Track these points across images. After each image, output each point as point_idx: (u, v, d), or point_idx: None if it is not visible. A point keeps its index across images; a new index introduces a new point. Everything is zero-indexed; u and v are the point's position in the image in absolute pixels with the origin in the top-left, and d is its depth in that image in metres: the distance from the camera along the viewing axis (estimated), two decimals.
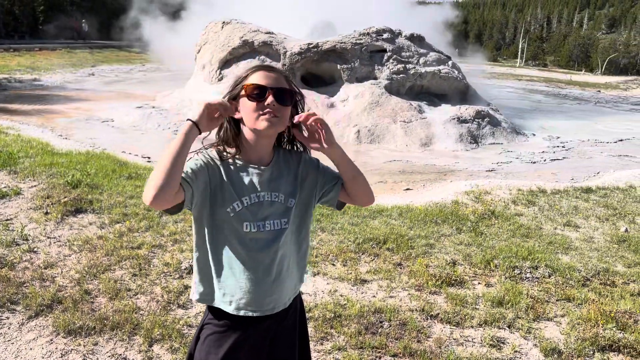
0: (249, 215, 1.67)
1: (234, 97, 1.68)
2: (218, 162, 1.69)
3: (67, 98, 14.95)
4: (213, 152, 1.71)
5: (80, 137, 9.94)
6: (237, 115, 1.68)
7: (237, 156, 1.71)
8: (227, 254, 1.70)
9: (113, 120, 11.86)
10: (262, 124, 1.64)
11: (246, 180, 1.70)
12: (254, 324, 1.75)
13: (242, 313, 1.71)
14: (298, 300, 1.91)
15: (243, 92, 1.65)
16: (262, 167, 1.73)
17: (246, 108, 1.65)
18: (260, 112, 1.63)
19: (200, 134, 1.62)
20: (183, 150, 1.53)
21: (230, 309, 1.71)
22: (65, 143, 8.74)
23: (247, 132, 1.70)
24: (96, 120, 11.92)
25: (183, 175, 1.55)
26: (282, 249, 1.72)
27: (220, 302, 1.72)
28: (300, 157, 1.82)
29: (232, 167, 1.70)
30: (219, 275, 1.71)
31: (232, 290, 1.70)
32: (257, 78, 1.66)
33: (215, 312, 1.77)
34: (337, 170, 1.81)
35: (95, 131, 10.72)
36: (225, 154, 1.70)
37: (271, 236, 1.70)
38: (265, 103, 1.63)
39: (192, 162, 1.64)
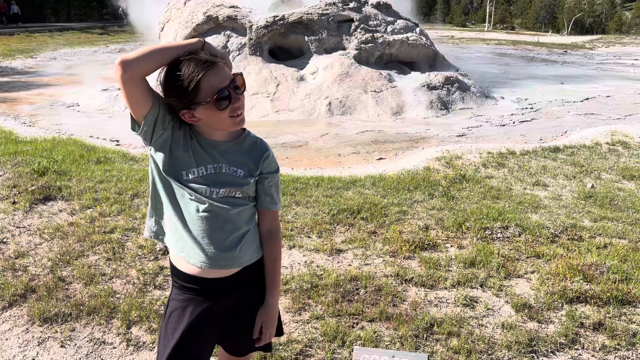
0: (204, 182, 1.69)
1: (188, 107, 1.59)
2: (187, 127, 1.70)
3: (29, 84, 14.50)
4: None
5: (45, 123, 9.69)
6: (194, 122, 1.64)
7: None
8: (177, 206, 1.73)
9: (78, 105, 11.57)
10: (234, 125, 1.67)
11: (204, 151, 1.70)
12: (216, 293, 1.79)
13: (191, 261, 1.75)
14: (261, 273, 1.93)
15: (206, 103, 1.57)
16: (224, 142, 1.73)
17: (213, 116, 1.61)
18: (232, 115, 1.62)
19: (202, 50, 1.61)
20: (178, 49, 1.56)
21: (184, 266, 1.77)
22: (30, 130, 8.52)
23: (210, 125, 1.68)
24: (61, 105, 11.61)
25: (158, 104, 1.59)
26: (234, 212, 1.74)
27: (175, 259, 1.79)
28: (265, 153, 1.81)
29: (198, 136, 1.70)
30: (175, 230, 1.76)
31: (185, 243, 1.74)
32: (213, 84, 1.55)
33: (178, 287, 1.82)
34: (276, 199, 1.86)
35: (61, 117, 10.45)
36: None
37: (224, 200, 1.72)
38: (234, 106, 1.61)
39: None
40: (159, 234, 1.83)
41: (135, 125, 1.64)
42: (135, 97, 1.56)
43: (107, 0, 43.58)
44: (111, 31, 35.79)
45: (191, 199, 1.70)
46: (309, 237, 4.48)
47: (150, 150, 1.69)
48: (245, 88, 1.66)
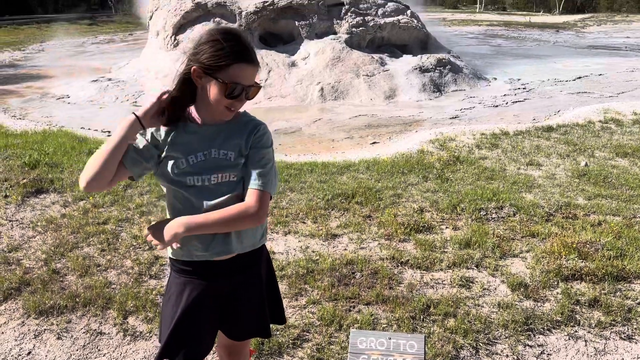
0: (193, 171, 1.67)
1: (206, 72, 1.60)
2: (162, 129, 1.70)
3: (18, 76, 14.34)
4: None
5: (36, 116, 9.60)
6: (198, 83, 1.64)
7: (190, 115, 1.71)
8: (178, 206, 1.72)
9: (69, 97, 11.46)
10: (224, 115, 1.67)
11: (195, 139, 1.70)
12: (214, 277, 1.79)
13: (195, 258, 1.75)
14: (263, 258, 1.92)
15: (221, 82, 1.59)
16: (215, 125, 1.71)
17: (215, 96, 1.62)
18: (227, 107, 1.64)
19: (143, 130, 1.65)
20: (121, 144, 1.61)
21: (184, 256, 1.76)
22: (20, 123, 8.43)
23: (205, 100, 1.66)
24: (51, 97, 11.49)
25: (129, 156, 1.65)
26: (231, 199, 1.70)
27: (175, 251, 1.77)
28: (257, 127, 1.75)
29: (180, 128, 1.70)
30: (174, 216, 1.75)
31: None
32: (240, 75, 1.60)
33: (176, 270, 1.82)
34: (255, 176, 1.71)
35: (51, 109, 10.35)
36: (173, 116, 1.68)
37: (216, 187, 1.69)
38: (238, 101, 1.64)
39: (138, 139, 1.68)
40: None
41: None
42: (115, 182, 1.70)
43: None
44: (100, 22, 35.38)
45: (187, 192, 1.69)
46: (304, 222, 4.47)
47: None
48: (253, 97, 1.71)
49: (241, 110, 1.76)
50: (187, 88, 1.66)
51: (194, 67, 1.61)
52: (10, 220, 4.49)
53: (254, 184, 1.69)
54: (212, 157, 1.69)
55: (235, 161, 1.70)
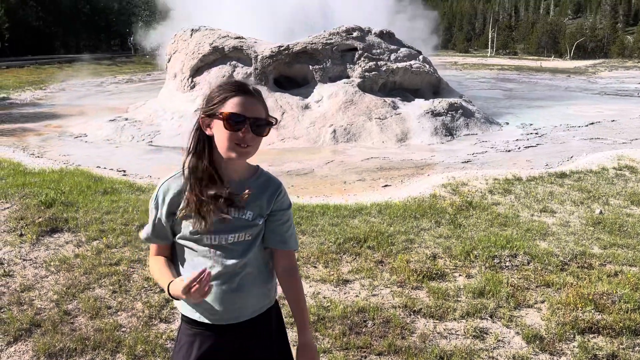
0: (211, 230, 1.66)
1: (209, 114, 1.64)
2: (179, 190, 1.69)
3: (38, 115, 14.70)
4: (177, 181, 1.70)
5: (53, 154, 9.78)
6: (208, 132, 1.66)
7: (208, 173, 1.68)
8: (191, 262, 1.72)
9: (86, 135, 11.70)
10: (232, 153, 1.63)
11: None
12: (224, 333, 1.76)
13: (205, 320, 1.73)
14: (273, 313, 1.90)
15: (220, 117, 1.61)
16: (236, 181, 1.71)
17: (220, 133, 1.63)
18: (235, 142, 1.61)
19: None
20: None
21: (195, 316, 1.74)
22: (38, 162, 8.59)
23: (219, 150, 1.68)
24: (69, 136, 11.74)
25: (160, 244, 1.75)
26: (245, 259, 1.71)
27: (185, 306, 1.76)
28: (278, 189, 1.79)
29: (198, 186, 1.66)
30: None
31: None
32: (236, 105, 1.61)
33: (186, 322, 1.80)
34: (286, 237, 1.80)
35: (69, 147, 10.56)
36: (194, 174, 1.67)
37: (232, 247, 1.70)
38: (241, 135, 1.61)
39: (152, 226, 1.72)
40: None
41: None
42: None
43: (115, 32, 44.50)
44: (119, 62, 36.40)
45: (200, 253, 1.70)
46: (315, 267, 4.45)
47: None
48: (266, 134, 1.68)
49: (258, 165, 1.79)
50: (203, 148, 1.68)
51: (201, 116, 1.66)
52: (24, 259, 4.52)
53: (281, 245, 1.78)
54: (232, 216, 1.69)
55: (254, 221, 1.71)
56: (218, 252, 1.69)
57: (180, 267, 1.78)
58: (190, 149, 1.69)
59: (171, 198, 1.69)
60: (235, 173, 1.72)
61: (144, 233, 1.76)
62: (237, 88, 1.64)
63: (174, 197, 1.69)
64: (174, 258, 1.80)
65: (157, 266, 1.76)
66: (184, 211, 1.65)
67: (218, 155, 1.68)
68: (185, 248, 1.73)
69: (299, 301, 1.85)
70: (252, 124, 1.62)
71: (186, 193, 1.66)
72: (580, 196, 6.58)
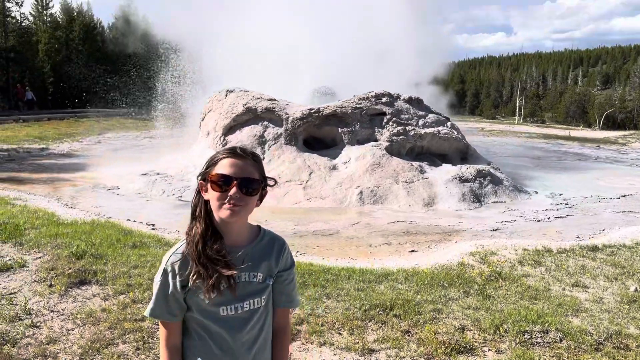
0: (224, 300, 1.69)
1: (203, 178, 1.72)
2: (184, 266, 1.70)
3: (74, 166, 15.19)
4: (182, 250, 1.73)
5: (86, 205, 10.03)
6: (205, 197, 1.72)
7: (203, 236, 1.70)
8: (208, 337, 1.72)
9: (118, 188, 12.00)
10: (224, 212, 1.67)
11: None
12: None
13: None
14: None
15: (210, 178, 1.68)
16: (241, 246, 1.75)
17: (211, 194, 1.69)
18: (224, 201, 1.66)
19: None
20: None
21: None
22: (71, 212, 8.81)
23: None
24: (102, 188, 12.06)
25: (169, 321, 1.74)
26: (259, 326, 1.75)
27: None
28: (283, 247, 1.85)
29: (204, 255, 1.68)
30: (198, 353, 1.74)
31: None
32: (224, 166, 1.68)
33: None
34: (292, 296, 1.88)
35: (101, 199, 10.82)
36: (193, 239, 1.71)
37: (248, 315, 1.72)
38: (229, 194, 1.65)
39: (161, 301, 1.73)
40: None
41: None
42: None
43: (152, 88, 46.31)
44: (154, 117, 37.64)
45: (219, 324, 1.72)
46: (339, 333, 4.37)
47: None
48: (256, 194, 1.72)
49: (259, 225, 1.84)
50: (200, 211, 1.73)
51: (199, 180, 1.73)
52: (52, 311, 4.57)
53: (288, 304, 1.85)
54: (242, 281, 1.72)
55: (264, 283, 1.75)
56: (234, 324, 1.70)
57: (189, 352, 1.76)
58: (191, 214, 1.76)
59: (179, 269, 1.69)
60: (238, 237, 1.75)
61: (148, 309, 1.76)
62: (228, 151, 1.71)
63: (182, 266, 1.69)
64: (183, 342, 1.78)
65: None
66: (194, 277, 1.66)
67: (219, 219, 1.72)
68: (199, 326, 1.73)
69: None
70: (240, 184, 1.66)
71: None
72: (613, 271, 6.38)
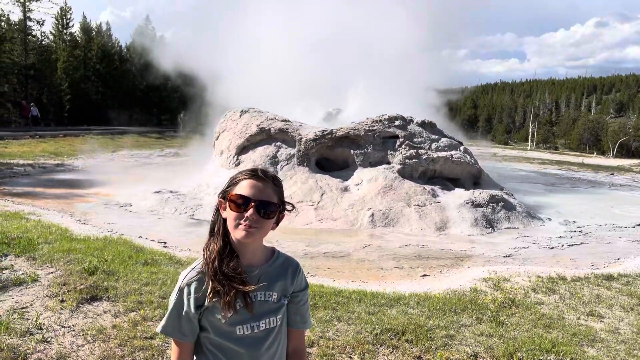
0: (241, 319, 1.69)
1: (224, 197, 1.74)
2: (200, 284, 1.70)
3: (88, 183, 15.34)
4: (198, 268, 1.73)
5: (99, 222, 10.09)
6: (223, 215, 1.74)
7: (220, 253, 1.71)
8: (220, 353, 1.72)
9: (131, 205, 12.08)
10: (239, 233, 1.68)
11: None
12: None
13: None
14: None
15: (228, 197, 1.70)
16: (256, 266, 1.76)
17: (229, 214, 1.70)
18: (240, 222, 1.67)
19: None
20: None
21: None
22: (84, 228, 8.87)
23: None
24: (114, 205, 12.14)
25: (179, 339, 1.71)
26: (275, 346, 1.75)
27: None
28: (297, 268, 1.86)
29: (220, 272, 1.68)
30: None
31: None
32: (244, 187, 1.70)
33: None
34: (306, 317, 1.88)
35: (114, 216, 10.89)
36: (210, 256, 1.71)
37: (264, 334, 1.72)
38: (246, 215, 1.67)
39: (174, 319, 1.71)
40: None
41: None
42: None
43: (166, 108, 46.98)
44: (167, 136, 38.13)
45: (236, 344, 1.71)
46: (350, 357, 4.31)
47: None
48: (273, 217, 1.73)
49: (274, 247, 1.84)
50: (218, 229, 1.74)
51: (219, 198, 1.74)
52: (63, 326, 4.57)
53: (302, 325, 1.85)
54: (258, 300, 1.72)
55: (279, 302, 1.76)
56: (250, 343, 1.70)
57: None
58: (209, 230, 1.77)
59: (196, 287, 1.69)
60: (253, 257, 1.76)
61: (160, 325, 1.75)
62: (250, 172, 1.73)
63: (198, 285, 1.69)
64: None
65: None
66: (210, 294, 1.66)
67: (235, 239, 1.73)
68: (213, 346, 1.72)
69: None
70: (258, 206, 1.68)
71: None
72: (629, 302, 6.26)
